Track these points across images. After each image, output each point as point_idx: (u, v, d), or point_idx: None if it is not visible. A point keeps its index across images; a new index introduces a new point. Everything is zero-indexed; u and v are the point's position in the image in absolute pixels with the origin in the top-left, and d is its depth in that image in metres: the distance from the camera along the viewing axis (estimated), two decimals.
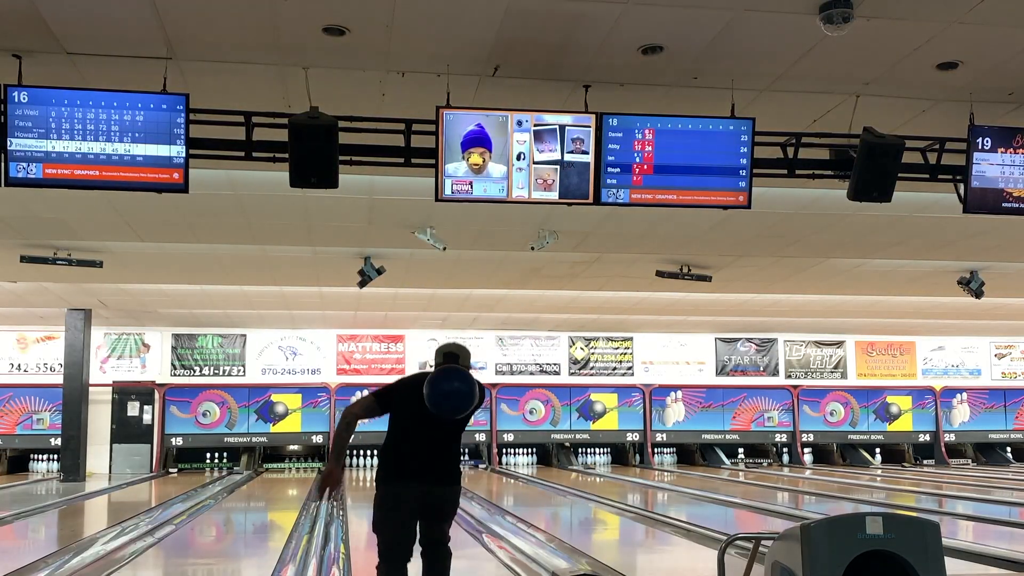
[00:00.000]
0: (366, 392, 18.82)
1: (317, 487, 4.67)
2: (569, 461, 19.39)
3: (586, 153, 6.49)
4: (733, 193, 6.73)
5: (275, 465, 18.92)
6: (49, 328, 17.97)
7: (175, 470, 18.25)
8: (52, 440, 17.75)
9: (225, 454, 18.85)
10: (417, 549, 4.78)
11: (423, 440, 4.70)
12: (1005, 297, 14.63)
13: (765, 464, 20.08)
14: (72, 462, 16.13)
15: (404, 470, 4.67)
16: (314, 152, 6.22)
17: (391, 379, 19.63)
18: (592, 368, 19.97)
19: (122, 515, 10.82)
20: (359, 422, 4.85)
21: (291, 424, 18.84)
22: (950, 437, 20.88)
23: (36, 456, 18.31)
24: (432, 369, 4.86)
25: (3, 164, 6.04)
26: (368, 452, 18.96)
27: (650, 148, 6.55)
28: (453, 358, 4.83)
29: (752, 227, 9.91)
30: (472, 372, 4.84)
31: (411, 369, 19.25)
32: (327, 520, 9.90)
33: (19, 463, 18.29)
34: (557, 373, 19.81)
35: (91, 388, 16.97)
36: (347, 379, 19.10)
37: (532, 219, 9.47)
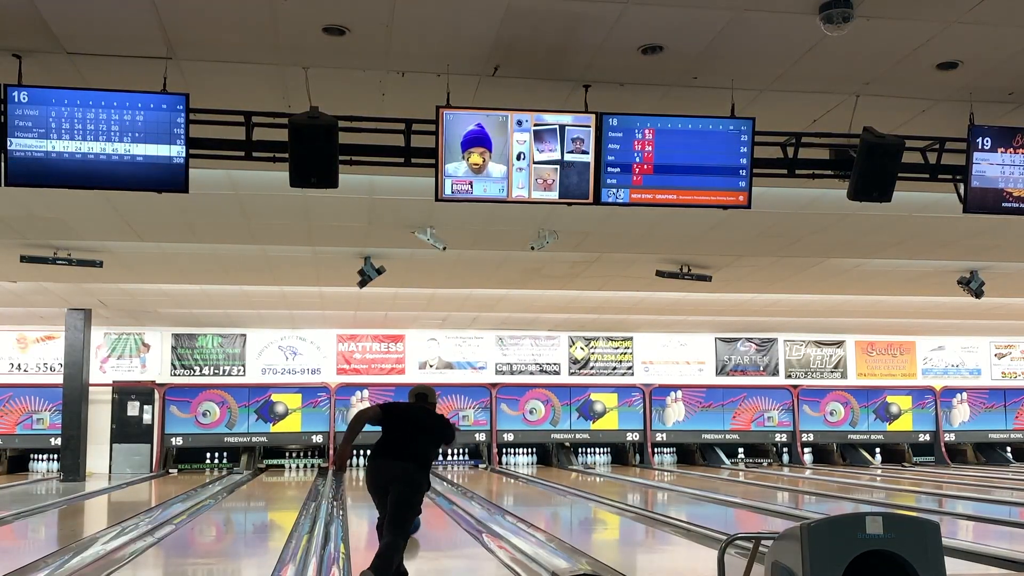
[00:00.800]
0: (366, 392, 19.06)
1: (335, 463, 6.48)
2: (569, 461, 19.39)
3: (586, 153, 6.49)
4: (733, 193, 6.73)
5: (275, 463, 18.91)
6: (49, 328, 17.97)
7: (175, 470, 18.26)
8: (52, 440, 17.76)
9: (225, 454, 18.85)
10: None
11: (397, 437, 6.09)
12: (1005, 297, 14.63)
13: (765, 464, 20.08)
14: (72, 462, 16.13)
15: (380, 451, 6.09)
16: (314, 152, 6.22)
17: (391, 379, 19.74)
18: (592, 368, 19.98)
19: (122, 515, 10.82)
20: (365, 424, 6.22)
21: (291, 424, 18.85)
22: (950, 437, 20.89)
23: (36, 456, 18.31)
24: (416, 394, 6.45)
25: (3, 164, 6.04)
26: (365, 452, 18.92)
27: (650, 148, 6.55)
28: (423, 398, 6.40)
29: (752, 227, 9.91)
30: (437, 404, 6.57)
31: (411, 369, 19.28)
32: (327, 520, 9.90)
33: (19, 463, 18.29)
34: (557, 373, 19.82)
35: (91, 388, 16.97)
36: (347, 379, 19.11)
37: (532, 219, 9.47)
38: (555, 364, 19.84)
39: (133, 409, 18.30)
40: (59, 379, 16.74)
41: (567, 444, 19.76)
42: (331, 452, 18.67)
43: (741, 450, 20.42)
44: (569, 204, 6.67)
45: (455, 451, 19.30)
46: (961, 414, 21.04)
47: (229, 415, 18.71)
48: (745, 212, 7.21)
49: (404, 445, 6.03)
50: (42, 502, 12.84)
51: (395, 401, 6.52)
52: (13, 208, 8.99)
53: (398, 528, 5.88)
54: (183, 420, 18.55)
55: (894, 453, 20.82)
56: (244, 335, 18.96)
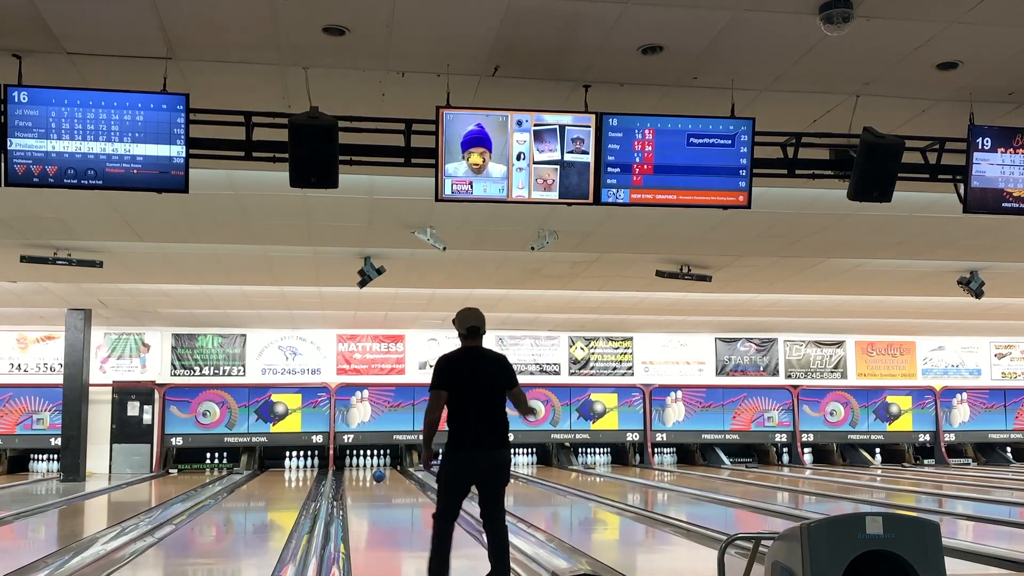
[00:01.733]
0: (366, 392, 19.01)
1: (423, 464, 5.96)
2: (569, 461, 19.39)
3: (586, 153, 6.50)
4: (733, 193, 6.74)
5: (275, 461, 18.91)
6: (49, 328, 17.97)
7: (175, 470, 18.25)
8: (52, 440, 17.75)
9: (225, 454, 18.85)
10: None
11: (475, 410, 5.60)
12: (1005, 297, 14.63)
13: (750, 461, 20.08)
14: (72, 462, 16.13)
15: (468, 440, 5.58)
16: (314, 152, 6.22)
17: (391, 379, 19.66)
18: (592, 368, 19.98)
19: (122, 515, 10.82)
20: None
21: (291, 424, 18.84)
22: (950, 437, 20.89)
23: (36, 456, 18.31)
24: (469, 328, 5.89)
25: (3, 164, 6.04)
26: (365, 452, 19.04)
27: (650, 148, 6.55)
28: (476, 332, 5.92)
29: (752, 227, 9.91)
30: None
31: (411, 369, 19.27)
32: (327, 520, 9.90)
33: (19, 463, 18.29)
34: (557, 373, 19.81)
35: (91, 388, 16.97)
36: (347, 379, 19.11)
37: (532, 219, 9.47)
38: (555, 364, 19.84)
39: (133, 409, 18.30)
40: (59, 379, 16.74)
41: (567, 444, 19.76)
42: (331, 452, 18.69)
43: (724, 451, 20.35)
44: (569, 204, 6.67)
45: None
46: (961, 414, 21.04)
47: (229, 415, 18.71)
48: (745, 212, 7.21)
49: (487, 419, 5.58)
50: (42, 502, 12.84)
51: (448, 367, 5.74)
52: (13, 208, 8.99)
53: (502, 523, 5.62)
54: (183, 420, 18.55)
55: (894, 453, 20.82)
56: (244, 335, 18.96)
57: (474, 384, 5.67)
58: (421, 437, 5.97)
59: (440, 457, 5.73)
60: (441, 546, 5.62)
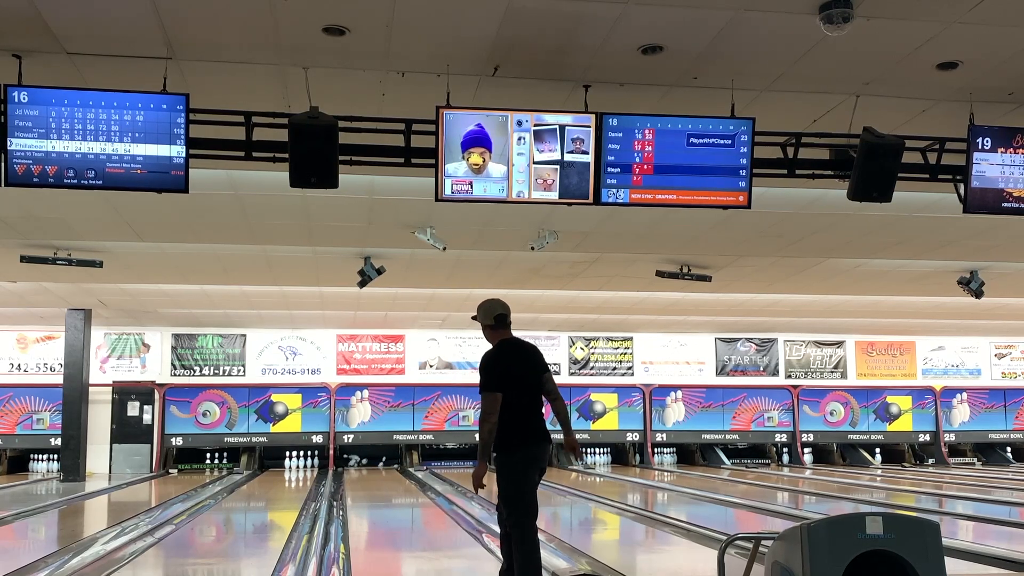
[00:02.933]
0: (366, 392, 18.98)
1: (473, 482, 5.46)
2: (569, 461, 19.38)
3: (586, 153, 6.50)
4: (733, 193, 6.74)
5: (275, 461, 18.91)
6: (49, 328, 17.97)
7: (175, 470, 18.25)
8: (52, 440, 17.76)
9: (225, 454, 18.85)
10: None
11: (525, 405, 5.37)
12: (1005, 297, 14.63)
13: (766, 463, 20.07)
14: (72, 462, 16.14)
15: (529, 435, 5.36)
16: (314, 152, 6.22)
17: (391, 379, 19.60)
18: (592, 368, 19.98)
19: (122, 515, 10.82)
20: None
21: (291, 424, 18.85)
22: (950, 437, 20.89)
23: (36, 456, 18.32)
24: (497, 316, 5.62)
25: (3, 164, 6.04)
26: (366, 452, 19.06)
27: (650, 148, 6.55)
28: (504, 320, 5.65)
29: (752, 227, 9.91)
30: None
31: (411, 369, 19.26)
32: (327, 520, 9.90)
33: (19, 463, 18.30)
34: (557, 373, 19.79)
35: (91, 388, 16.98)
36: (347, 379, 19.11)
37: (532, 219, 9.47)
38: (555, 364, 19.82)
39: (133, 409, 18.31)
40: (59, 379, 16.74)
41: None
42: (331, 452, 18.69)
43: (725, 451, 20.37)
44: (569, 204, 6.68)
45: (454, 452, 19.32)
46: (961, 414, 21.04)
47: (229, 415, 18.71)
48: (745, 212, 7.21)
49: (536, 413, 5.40)
50: (42, 502, 12.84)
51: (499, 365, 5.43)
52: (13, 208, 8.99)
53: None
54: (183, 420, 18.55)
55: (894, 453, 20.82)
56: (244, 335, 18.96)
57: (525, 380, 5.44)
58: (479, 445, 5.38)
59: (496, 463, 5.44)
60: (536, 548, 5.33)
